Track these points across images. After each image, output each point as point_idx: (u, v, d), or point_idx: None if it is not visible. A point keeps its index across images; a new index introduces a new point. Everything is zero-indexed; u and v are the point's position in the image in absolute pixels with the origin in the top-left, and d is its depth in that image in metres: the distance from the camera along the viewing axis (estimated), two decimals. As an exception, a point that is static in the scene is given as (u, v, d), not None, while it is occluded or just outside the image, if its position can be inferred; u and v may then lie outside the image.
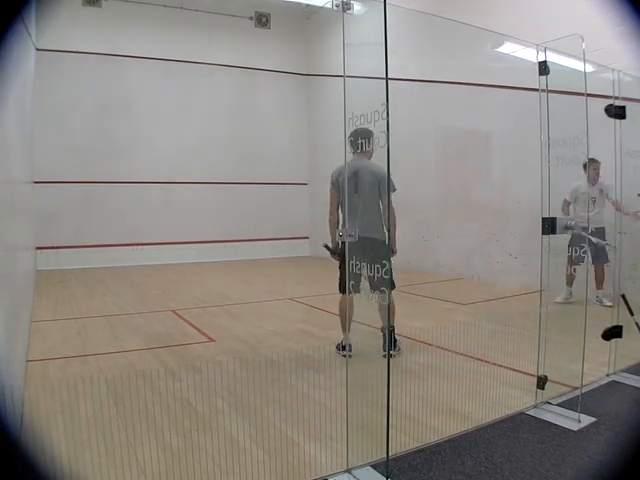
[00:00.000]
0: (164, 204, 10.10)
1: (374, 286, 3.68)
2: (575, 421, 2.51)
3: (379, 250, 3.62)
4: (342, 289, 3.71)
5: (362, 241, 3.64)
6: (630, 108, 3.12)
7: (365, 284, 3.66)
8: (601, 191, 5.17)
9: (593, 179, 5.13)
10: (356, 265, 3.67)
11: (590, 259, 4.80)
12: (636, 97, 3.26)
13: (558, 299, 5.20)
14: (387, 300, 1.93)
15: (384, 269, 1.94)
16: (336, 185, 3.74)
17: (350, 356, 3.55)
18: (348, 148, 3.82)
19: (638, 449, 0.78)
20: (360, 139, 3.76)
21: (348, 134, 3.81)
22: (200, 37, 10.29)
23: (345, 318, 3.75)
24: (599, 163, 5.03)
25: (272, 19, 11.18)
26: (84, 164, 9.38)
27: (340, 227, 3.64)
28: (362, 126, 3.71)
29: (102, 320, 5.02)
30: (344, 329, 3.77)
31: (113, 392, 2.89)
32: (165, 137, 10.15)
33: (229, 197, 10.65)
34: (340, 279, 3.69)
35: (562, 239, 2.62)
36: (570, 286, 5.35)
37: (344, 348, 3.74)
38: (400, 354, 3.65)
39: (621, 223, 3.39)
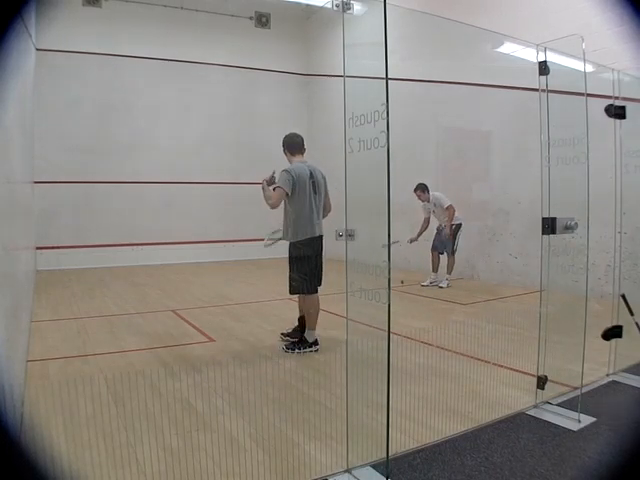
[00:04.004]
0: (164, 204, 10.10)
1: (320, 281, 3.88)
2: (575, 421, 2.51)
3: (322, 246, 3.86)
4: (303, 289, 3.83)
5: (319, 239, 3.89)
6: (630, 108, 3.12)
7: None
8: (435, 205, 6.90)
9: (424, 200, 7.00)
10: (316, 262, 3.88)
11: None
12: (636, 97, 3.26)
13: (424, 283, 6.95)
14: (387, 300, 1.92)
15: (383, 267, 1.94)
16: (294, 186, 3.71)
17: (317, 350, 3.80)
18: (290, 151, 3.98)
19: (638, 449, 0.78)
20: (302, 143, 3.98)
21: (284, 138, 3.99)
22: (200, 37, 10.28)
23: (317, 315, 3.90)
24: (418, 190, 6.96)
25: (272, 19, 11.18)
26: (84, 164, 9.37)
27: (303, 224, 3.80)
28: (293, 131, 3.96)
29: (102, 320, 5.02)
30: (314, 326, 3.88)
31: (113, 392, 2.89)
32: (165, 137, 10.15)
33: (229, 197, 10.65)
34: (297, 279, 3.80)
35: (562, 239, 2.62)
36: (435, 272, 7.03)
37: (314, 344, 3.87)
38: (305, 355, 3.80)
39: (621, 223, 3.39)
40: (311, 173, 3.82)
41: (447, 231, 6.80)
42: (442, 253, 7.00)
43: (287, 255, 3.89)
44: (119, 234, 9.67)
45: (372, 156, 1.93)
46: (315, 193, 3.82)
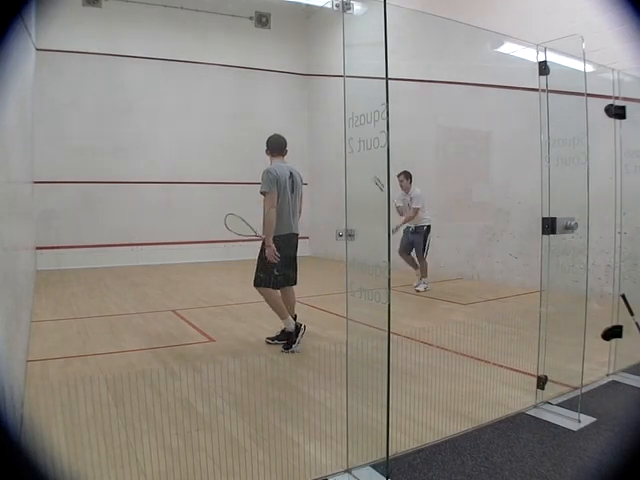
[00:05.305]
0: (164, 204, 10.10)
1: (295, 280, 3.90)
2: (575, 421, 2.51)
3: (297, 244, 3.98)
4: (268, 283, 3.84)
5: (294, 236, 3.93)
6: (630, 108, 3.12)
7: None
8: (411, 199, 6.53)
9: (405, 189, 6.60)
10: (289, 258, 3.89)
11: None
12: (636, 97, 3.26)
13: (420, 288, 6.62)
14: (387, 300, 1.92)
15: (383, 267, 1.94)
16: (277, 185, 3.79)
17: (305, 329, 3.88)
18: (270, 153, 4.02)
19: (638, 449, 0.78)
20: (285, 145, 3.97)
21: (268, 139, 4.06)
22: (200, 37, 10.29)
23: (281, 303, 3.92)
24: (402, 175, 6.52)
25: (272, 19, 11.18)
26: (84, 164, 9.37)
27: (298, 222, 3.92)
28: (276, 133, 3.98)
29: (102, 320, 5.02)
30: (285, 316, 3.90)
31: (113, 392, 2.89)
32: (165, 137, 10.15)
33: (229, 197, 10.64)
34: (265, 272, 3.82)
35: (562, 239, 2.62)
36: (416, 269, 6.74)
37: (299, 329, 3.88)
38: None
39: (621, 223, 3.39)
40: (291, 173, 3.93)
41: (393, 228, 6.40)
42: (409, 254, 6.72)
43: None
44: (119, 234, 9.67)
45: (372, 156, 1.93)
46: (292, 192, 3.92)
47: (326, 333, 4.36)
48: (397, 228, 6.46)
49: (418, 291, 6.56)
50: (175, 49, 10.11)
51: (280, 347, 3.91)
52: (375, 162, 1.94)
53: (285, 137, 4.08)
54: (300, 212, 4.09)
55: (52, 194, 9.05)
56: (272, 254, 3.75)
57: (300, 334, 3.88)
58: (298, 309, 4.17)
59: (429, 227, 6.63)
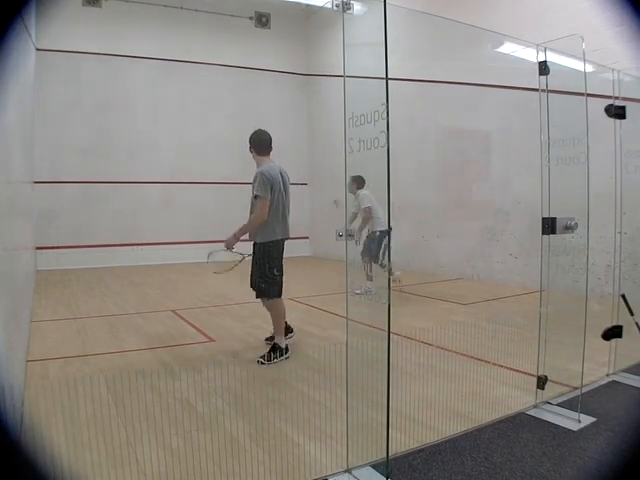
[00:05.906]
0: (164, 204, 10.10)
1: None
2: (575, 421, 2.51)
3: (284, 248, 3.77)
4: (274, 293, 3.66)
5: (284, 241, 3.74)
6: (630, 108, 3.12)
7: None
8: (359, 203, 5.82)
9: (351, 192, 5.78)
10: (281, 265, 3.74)
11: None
12: (636, 97, 3.26)
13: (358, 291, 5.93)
14: (387, 300, 1.92)
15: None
16: (271, 190, 3.60)
17: (288, 358, 3.65)
18: (258, 150, 3.78)
19: (638, 449, 0.78)
20: (270, 142, 3.74)
21: (252, 135, 3.81)
22: (200, 37, 10.29)
23: (284, 323, 3.75)
24: (350, 178, 5.75)
25: (272, 19, 11.18)
26: (84, 164, 9.38)
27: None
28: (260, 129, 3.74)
29: (102, 320, 5.02)
30: (281, 333, 3.72)
31: (113, 392, 2.89)
32: (165, 137, 10.15)
33: (229, 197, 10.63)
34: (266, 281, 3.66)
35: (562, 239, 2.62)
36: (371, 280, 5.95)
37: (286, 351, 3.70)
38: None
39: (621, 223, 3.39)
40: (281, 175, 3.71)
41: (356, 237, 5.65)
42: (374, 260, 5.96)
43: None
44: (119, 234, 9.68)
45: (372, 156, 1.93)
46: (284, 194, 3.72)
47: (326, 333, 4.36)
48: (358, 234, 5.73)
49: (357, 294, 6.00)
50: (175, 49, 10.11)
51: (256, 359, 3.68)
52: (375, 162, 1.94)
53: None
54: (289, 212, 3.85)
55: (52, 194, 9.06)
56: (230, 245, 3.80)
57: (282, 357, 3.65)
58: (298, 309, 4.17)
59: (382, 232, 5.93)
